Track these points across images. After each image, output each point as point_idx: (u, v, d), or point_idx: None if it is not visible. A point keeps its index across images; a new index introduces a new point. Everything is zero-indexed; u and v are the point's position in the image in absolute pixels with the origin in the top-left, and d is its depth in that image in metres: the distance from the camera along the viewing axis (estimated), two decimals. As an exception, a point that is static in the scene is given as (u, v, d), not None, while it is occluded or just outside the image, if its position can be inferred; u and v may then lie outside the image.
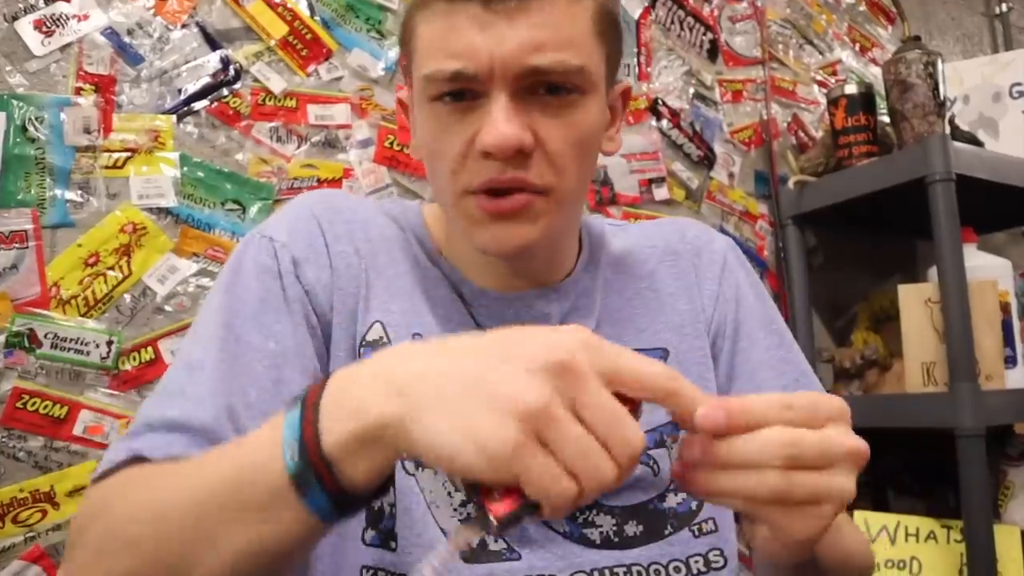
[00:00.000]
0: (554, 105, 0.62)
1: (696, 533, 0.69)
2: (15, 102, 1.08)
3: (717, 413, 0.44)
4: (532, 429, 0.39)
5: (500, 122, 0.59)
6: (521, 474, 0.39)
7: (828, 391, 1.59)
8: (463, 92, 0.61)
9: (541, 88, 0.61)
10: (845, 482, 0.46)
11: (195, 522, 0.46)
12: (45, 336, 1.06)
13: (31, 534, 1.02)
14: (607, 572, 0.66)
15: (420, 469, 0.66)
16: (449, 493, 0.66)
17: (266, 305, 0.65)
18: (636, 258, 0.79)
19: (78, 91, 1.13)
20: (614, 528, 0.68)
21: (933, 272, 1.37)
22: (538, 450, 0.39)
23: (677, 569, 0.68)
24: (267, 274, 0.66)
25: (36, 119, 1.09)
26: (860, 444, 0.46)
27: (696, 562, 0.68)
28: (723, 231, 1.63)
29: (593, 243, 0.79)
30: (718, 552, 0.69)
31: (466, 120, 0.62)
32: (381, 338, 0.68)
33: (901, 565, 1.35)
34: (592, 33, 0.63)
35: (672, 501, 0.70)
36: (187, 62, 1.21)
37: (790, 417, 0.45)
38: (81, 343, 1.08)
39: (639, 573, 0.67)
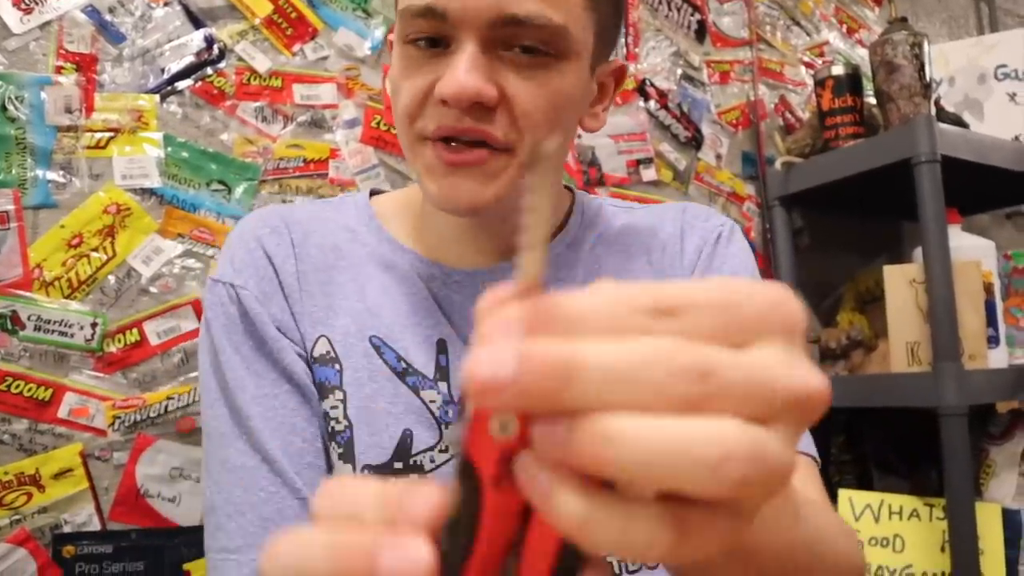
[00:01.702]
0: (527, 64, 0.58)
1: None
2: (-6, 81, 1.07)
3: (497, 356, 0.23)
4: None
5: (461, 71, 0.56)
6: None
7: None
8: (437, 40, 0.59)
9: (516, 45, 0.58)
10: (780, 448, 0.23)
11: None
12: (28, 318, 1.05)
13: (16, 517, 1.02)
14: None
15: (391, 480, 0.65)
16: None
17: (256, 376, 0.66)
18: (638, 239, 0.77)
19: (59, 70, 1.11)
20: None
21: (918, 253, 1.38)
22: None
23: None
24: (239, 335, 0.67)
25: (16, 98, 1.08)
26: (812, 382, 0.24)
27: None
28: (710, 212, 1.63)
29: (586, 216, 0.77)
30: None
31: (432, 64, 0.59)
32: (328, 352, 0.67)
33: (884, 543, 1.36)
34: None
35: None
36: (170, 41, 1.19)
37: (674, 327, 0.24)
38: (65, 325, 1.07)
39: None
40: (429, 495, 0.25)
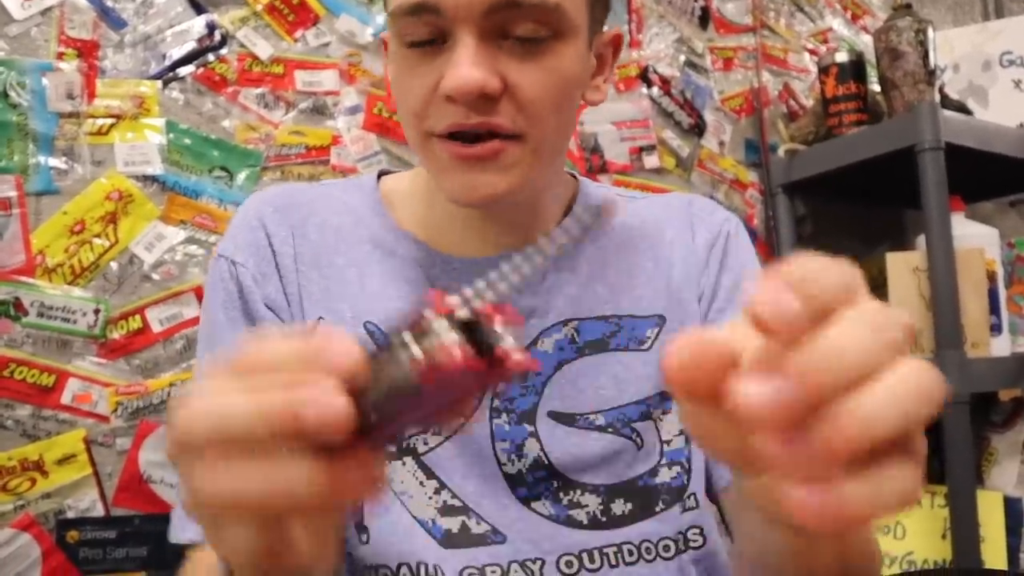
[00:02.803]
0: (527, 51, 0.58)
1: (683, 509, 0.68)
2: (-4, 67, 1.07)
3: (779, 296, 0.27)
4: None
5: (463, 65, 0.56)
6: None
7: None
8: (433, 39, 0.58)
9: (513, 33, 0.58)
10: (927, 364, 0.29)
11: None
12: (31, 304, 1.05)
13: (20, 502, 1.02)
14: (596, 553, 0.65)
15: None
16: (421, 483, 0.65)
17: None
18: (644, 232, 0.76)
19: (60, 56, 1.11)
20: (600, 507, 0.67)
21: (921, 240, 1.37)
22: None
23: (667, 548, 0.67)
24: (235, 311, 0.68)
25: (18, 84, 1.07)
26: (900, 312, 0.30)
27: (681, 539, 0.67)
28: (713, 199, 1.62)
29: (590, 207, 0.76)
30: (698, 530, 0.68)
31: (432, 63, 0.59)
32: None
33: (886, 530, 1.37)
34: None
35: (666, 475, 0.68)
36: (172, 27, 1.19)
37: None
38: (68, 311, 1.07)
39: (630, 552, 0.66)
40: (346, 346, 0.29)
